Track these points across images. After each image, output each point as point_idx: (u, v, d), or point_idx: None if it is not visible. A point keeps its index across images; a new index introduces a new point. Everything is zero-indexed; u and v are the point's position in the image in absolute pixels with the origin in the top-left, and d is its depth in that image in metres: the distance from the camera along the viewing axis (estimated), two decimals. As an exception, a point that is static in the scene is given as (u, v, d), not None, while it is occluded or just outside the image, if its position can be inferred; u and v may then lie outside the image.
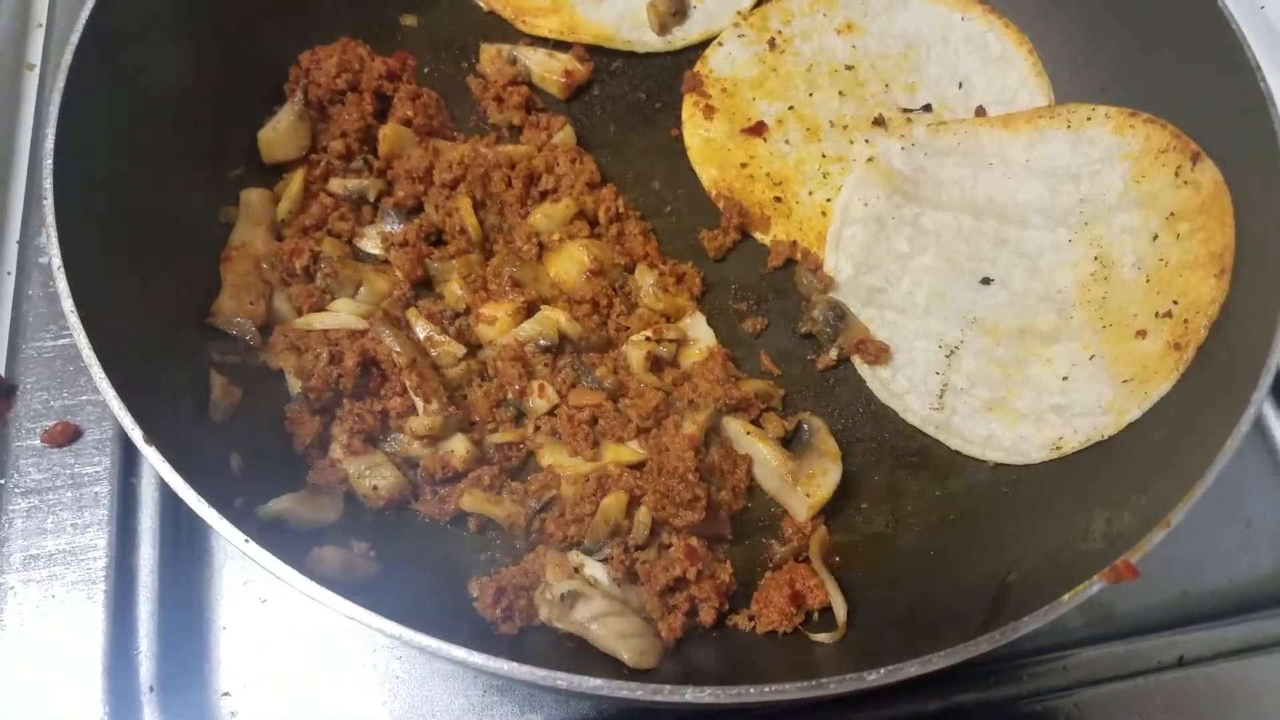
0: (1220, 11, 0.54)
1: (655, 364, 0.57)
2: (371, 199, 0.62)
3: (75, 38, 0.52)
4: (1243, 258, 0.51)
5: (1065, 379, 0.55)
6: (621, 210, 0.62)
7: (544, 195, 0.62)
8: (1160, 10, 0.58)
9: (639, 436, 0.54)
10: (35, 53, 0.72)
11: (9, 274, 0.62)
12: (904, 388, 0.57)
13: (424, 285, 0.60)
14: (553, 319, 0.56)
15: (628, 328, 0.58)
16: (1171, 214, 0.55)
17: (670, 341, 0.57)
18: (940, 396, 0.57)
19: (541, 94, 0.68)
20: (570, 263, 0.59)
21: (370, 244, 0.61)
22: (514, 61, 0.68)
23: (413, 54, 0.67)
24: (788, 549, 0.52)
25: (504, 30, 0.70)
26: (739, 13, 0.70)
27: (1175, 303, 0.52)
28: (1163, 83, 0.58)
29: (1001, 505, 0.54)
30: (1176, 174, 0.55)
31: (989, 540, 0.52)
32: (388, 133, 0.62)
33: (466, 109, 0.67)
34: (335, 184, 0.62)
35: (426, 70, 0.68)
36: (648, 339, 0.57)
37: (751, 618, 0.50)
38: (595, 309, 0.58)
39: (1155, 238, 0.55)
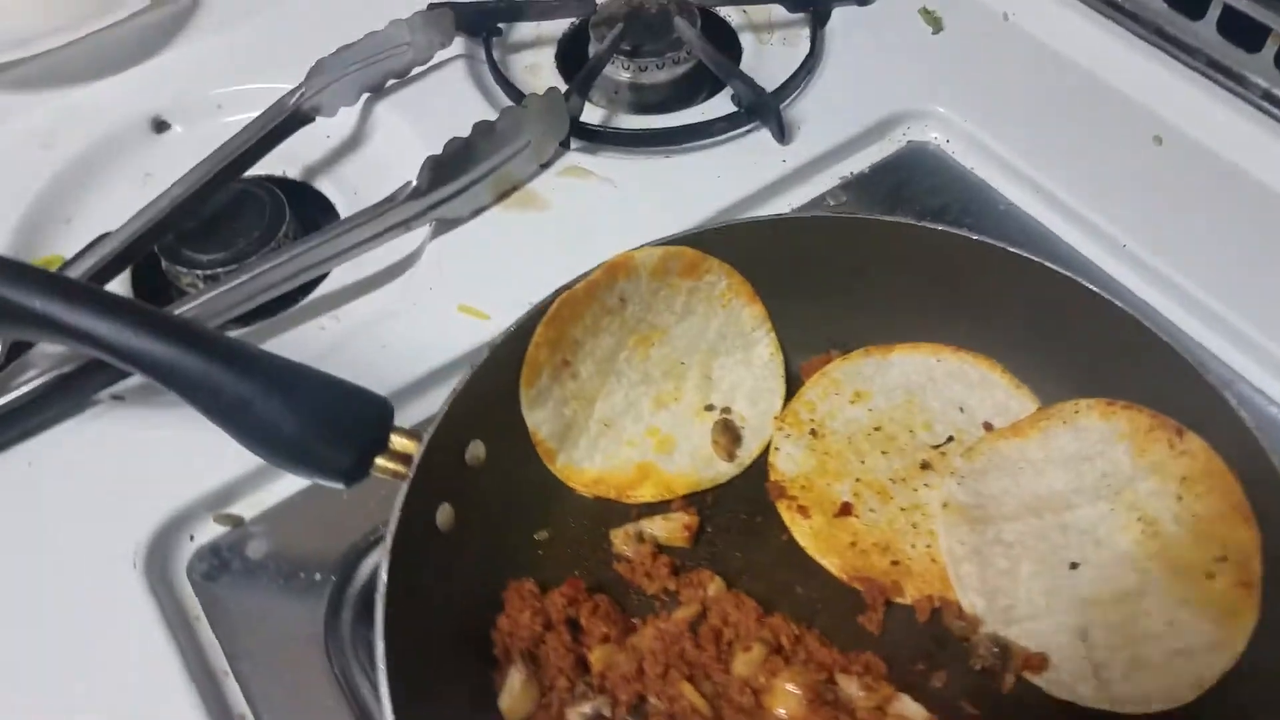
0: (1149, 330, 0.76)
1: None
2: (609, 714, 0.72)
3: None
4: (1258, 506, 0.70)
5: (1171, 624, 0.72)
6: (797, 632, 0.75)
7: (730, 645, 0.75)
8: (1099, 331, 0.79)
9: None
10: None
11: None
12: (1070, 679, 0.73)
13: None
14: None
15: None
16: (1183, 478, 0.74)
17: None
18: (1096, 675, 0.73)
19: (671, 550, 0.81)
20: (790, 698, 0.72)
21: (614, 752, 0.72)
22: (642, 537, 0.81)
23: (554, 563, 0.80)
24: None
25: (617, 509, 0.83)
26: (776, 418, 0.87)
27: (1225, 549, 0.71)
28: (1121, 382, 0.79)
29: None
30: (1171, 446, 0.75)
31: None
32: (599, 655, 0.73)
33: (621, 591, 0.79)
34: (573, 715, 0.72)
35: (576, 572, 0.80)
36: (887, 735, 0.70)
37: None
38: (830, 730, 0.71)
39: (1179, 498, 0.74)
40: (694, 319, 0.86)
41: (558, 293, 0.78)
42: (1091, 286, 0.79)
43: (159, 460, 0.85)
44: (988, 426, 0.84)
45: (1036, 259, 0.80)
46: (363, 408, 0.71)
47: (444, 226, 1.00)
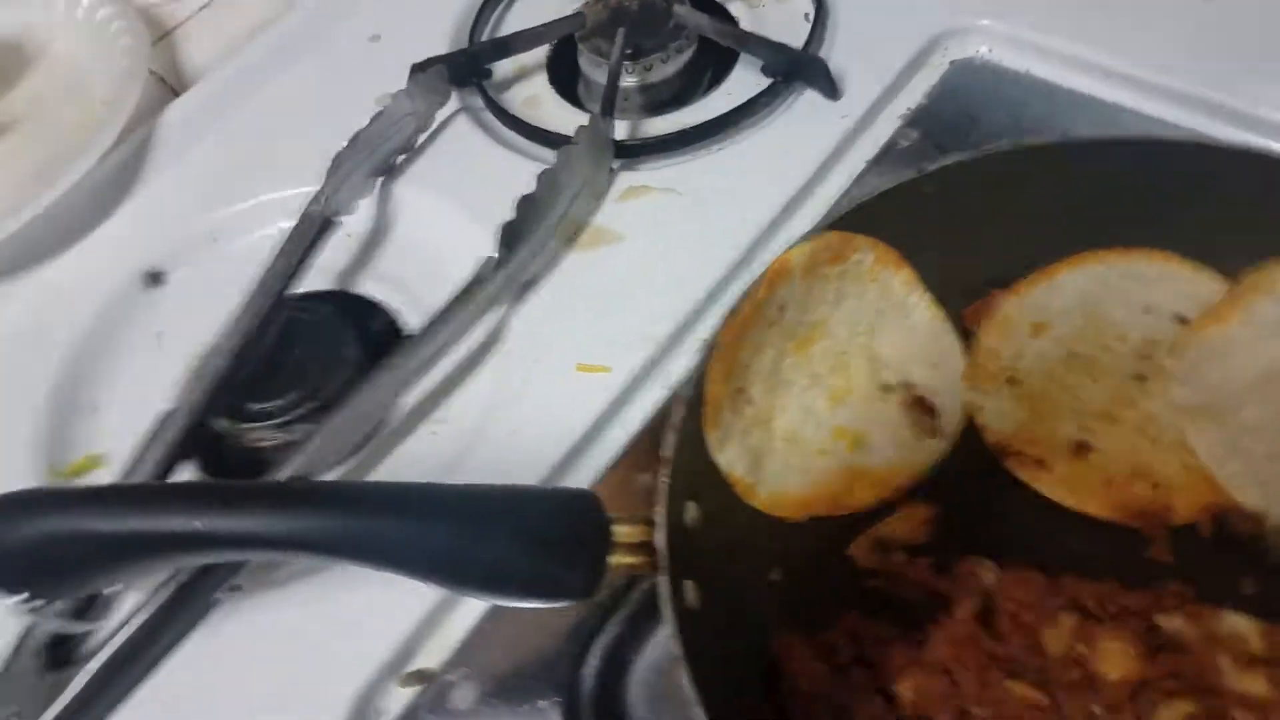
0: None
1: None
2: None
3: None
4: None
5: None
6: (1095, 587, 0.69)
7: (1032, 626, 0.69)
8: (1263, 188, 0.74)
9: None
10: None
11: None
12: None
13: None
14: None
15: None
16: None
17: None
18: None
19: (919, 550, 0.74)
20: (1120, 656, 0.66)
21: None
22: (885, 545, 0.74)
23: (802, 603, 0.72)
24: None
25: (843, 525, 0.76)
26: (964, 378, 0.81)
27: None
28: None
29: None
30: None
31: None
32: (907, 684, 0.67)
33: (885, 609, 0.72)
34: None
35: (838, 606, 0.73)
36: None
37: None
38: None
39: None
40: (847, 303, 0.79)
41: (724, 322, 0.70)
42: (1250, 146, 0.74)
43: (311, 643, 0.75)
44: (1182, 320, 0.79)
45: (1179, 138, 0.75)
46: (574, 509, 0.63)
47: (520, 291, 0.92)
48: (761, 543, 0.75)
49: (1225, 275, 0.79)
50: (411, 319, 0.85)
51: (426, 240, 1.01)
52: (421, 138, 1.05)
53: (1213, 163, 0.75)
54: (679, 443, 0.67)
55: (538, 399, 0.86)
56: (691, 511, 0.70)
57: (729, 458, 0.74)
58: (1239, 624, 0.66)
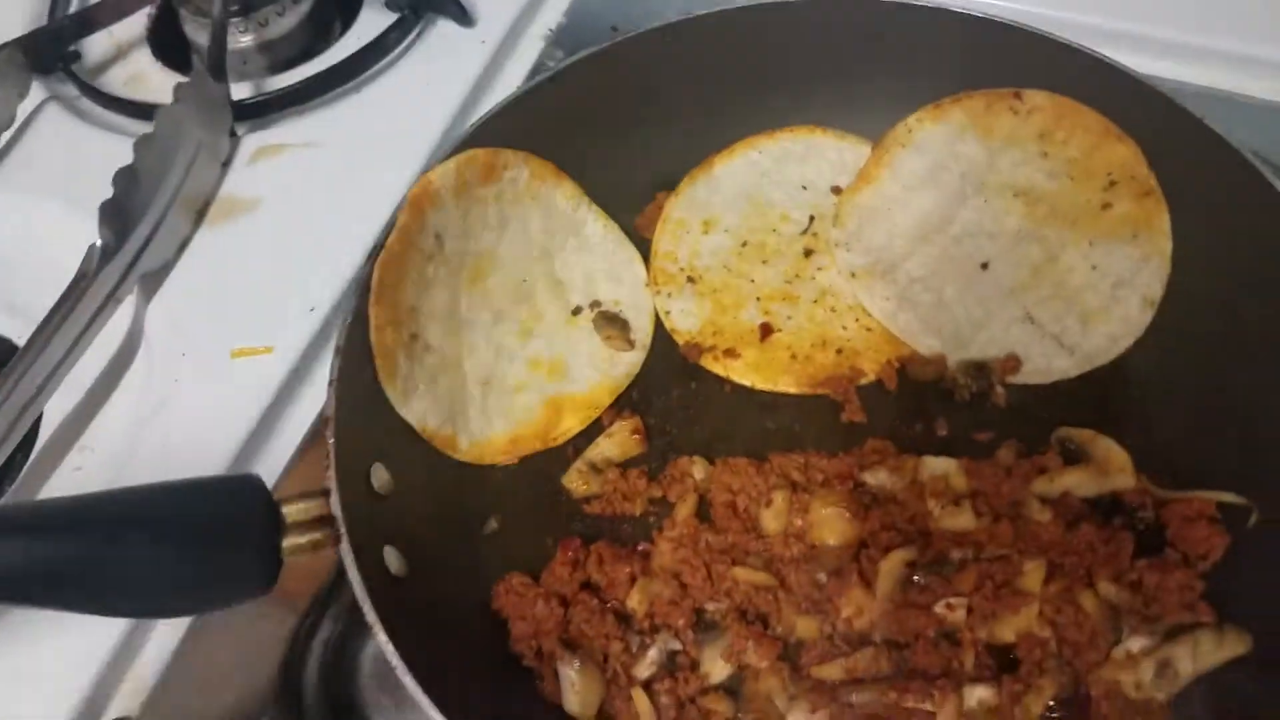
0: (954, 13, 0.74)
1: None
2: (680, 646, 0.62)
3: None
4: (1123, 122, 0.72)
5: (1095, 268, 0.74)
6: (799, 460, 0.69)
7: (748, 510, 0.67)
8: (899, 44, 0.76)
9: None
10: None
11: None
12: (1044, 362, 0.73)
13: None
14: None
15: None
16: (1041, 134, 0.74)
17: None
18: (1062, 345, 0.73)
19: (632, 462, 0.71)
20: (834, 521, 0.65)
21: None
22: (596, 467, 0.70)
23: (525, 545, 0.67)
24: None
25: (554, 457, 0.71)
26: (646, 285, 0.78)
27: (1110, 173, 0.73)
28: (939, 81, 0.77)
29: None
30: (1015, 112, 0.75)
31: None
32: (636, 598, 0.63)
33: (610, 529, 0.69)
34: (644, 669, 0.61)
35: (553, 538, 0.68)
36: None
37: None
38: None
39: (1045, 155, 0.75)
40: (512, 226, 0.74)
41: (371, 259, 0.63)
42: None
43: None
44: (836, 190, 0.81)
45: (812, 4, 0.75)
46: (235, 497, 0.54)
47: (152, 281, 0.80)
48: (472, 496, 0.69)
49: (867, 138, 0.82)
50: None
51: (28, 250, 0.85)
52: (4, 138, 0.88)
53: (843, 23, 0.76)
54: (349, 400, 0.60)
55: (193, 400, 0.74)
56: (380, 474, 0.63)
57: (418, 411, 0.67)
58: (939, 465, 0.68)
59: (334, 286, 0.78)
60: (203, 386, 0.75)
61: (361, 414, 0.62)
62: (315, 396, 0.74)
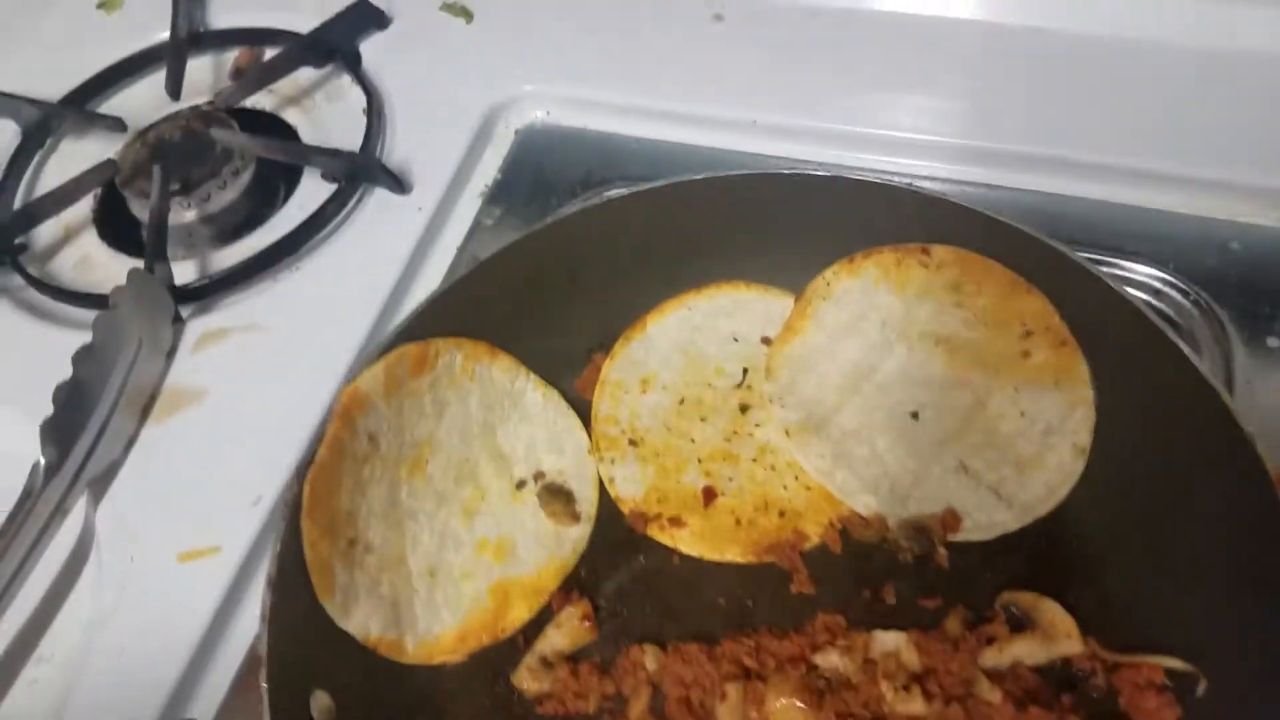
0: (842, 180, 0.76)
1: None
2: None
3: None
4: (1029, 275, 0.74)
5: (1024, 414, 0.75)
6: (751, 644, 0.68)
7: (703, 704, 0.67)
8: (803, 206, 0.78)
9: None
10: None
11: None
12: (985, 516, 0.73)
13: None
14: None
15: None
16: (953, 286, 0.76)
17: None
18: (1000, 498, 0.74)
19: (584, 652, 0.71)
20: (790, 712, 0.65)
21: None
22: (547, 660, 0.70)
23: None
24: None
25: (502, 651, 0.71)
26: (589, 452, 0.79)
27: (1024, 323, 0.74)
28: (851, 236, 0.79)
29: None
30: (925, 266, 0.76)
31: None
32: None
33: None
34: None
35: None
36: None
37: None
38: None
39: (959, 305, 0.76)
40: (451, 409, 0.75)
41: (300, 475, 0.64)
42: (780, 170, 0.78)
43: None
44: (766, 341, 0.82)
45: (718, 174, 0.77)
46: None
47: (100, 483, 0.80)
48: (420, 706, 0.69)
49: (790, 290, 0.83)
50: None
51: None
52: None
53: (760, 190, 0.78)
54: (284, 630, 0.60)
55: (141, 607, 0.75)
56: (321, 700, 0.63)
57: (359, 621, 0.67)
58: (890, 641, 0.68)
59: (278, 477, 0.78)
60: (154, 592, 0.75)
61: (298, 642, 0.62)
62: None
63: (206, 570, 0.75)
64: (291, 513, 0.63)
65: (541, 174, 0.98)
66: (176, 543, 0.77)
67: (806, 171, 0.74)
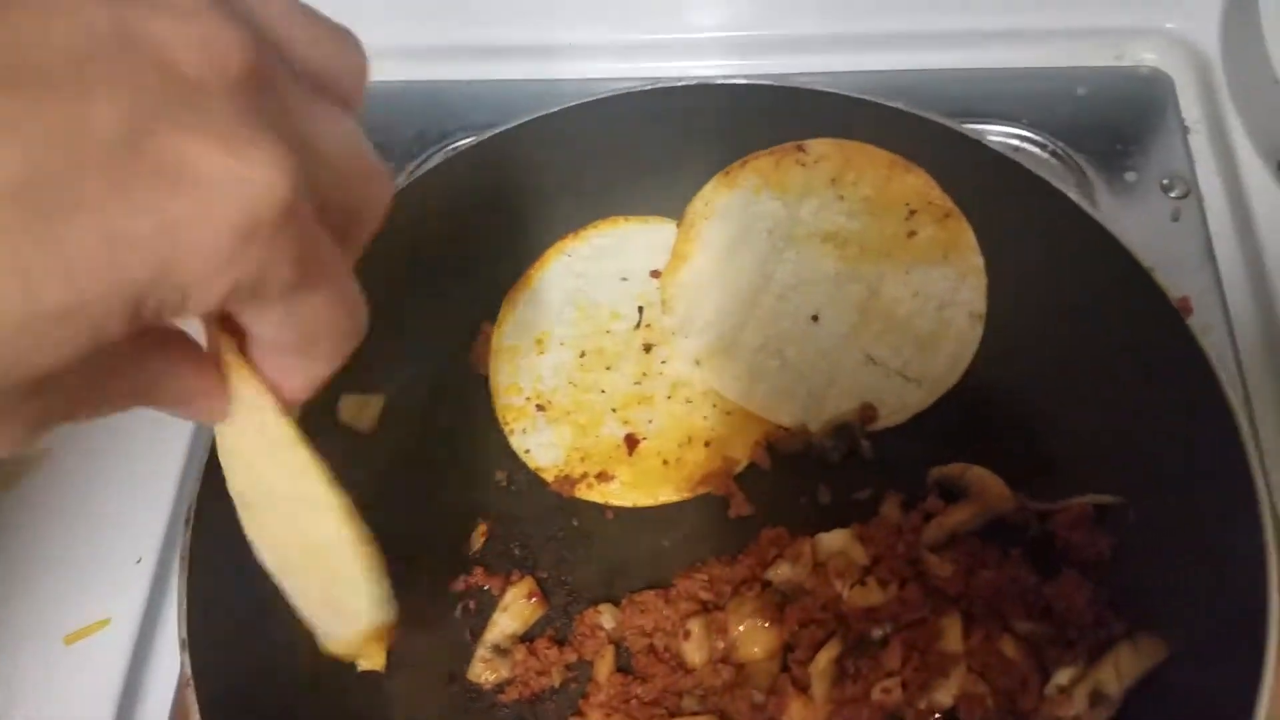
0: (715, 87, 0.73)
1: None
2: None
3: None
4: (907, 153, 0.73)
5: (917, 294, 0.75)
6: (703, 578, 0.67)
7: (668, 649, 0.65)
8: (680, 123, 0.75)
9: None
10: None
11: None
12: (897, 400, 0.73)
13: None
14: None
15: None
16: (832, 180, 0.75)
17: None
18: (909, 379, 0.74)
19: (537, 626, 0.68)
20: (754, 636, 0.63)
21: None
22: (501, 648, 0.66)
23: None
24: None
25: (455, 647, 0.67)
26: (503, 429, 0.75)
27: (907, 203, 0.74)
28: (724, 149, 0.76)
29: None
30: (801, 164, 0.75)
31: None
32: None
33: (534, 709, 0.65)
34: None
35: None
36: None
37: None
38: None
39: (841, 198, 0.75)
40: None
41: (189, 522, 0.57)
42: (637, 89, 0.73)
43: None
44: (655, 274, 0.79)
45: (571, 104, 0.73)
46: None
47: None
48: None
49: (671, 217, 0.80)
50: None
51: None
52: None
53: (618, 111, 0.73)
54: (209, 691, 0.54)
55: (37, 703, 0.66)
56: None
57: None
58: (834, 541, 0.67)
59: (156, 529, 0.71)
60: (47, 684, 0.67)
61: (231, 690, 0.56)
62: (170, 656, 0.68)
63: (99, 646, 0.68)
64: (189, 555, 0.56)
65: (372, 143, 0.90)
66: (60, 625, 0.69)
67: (665, 85, 0.70)
